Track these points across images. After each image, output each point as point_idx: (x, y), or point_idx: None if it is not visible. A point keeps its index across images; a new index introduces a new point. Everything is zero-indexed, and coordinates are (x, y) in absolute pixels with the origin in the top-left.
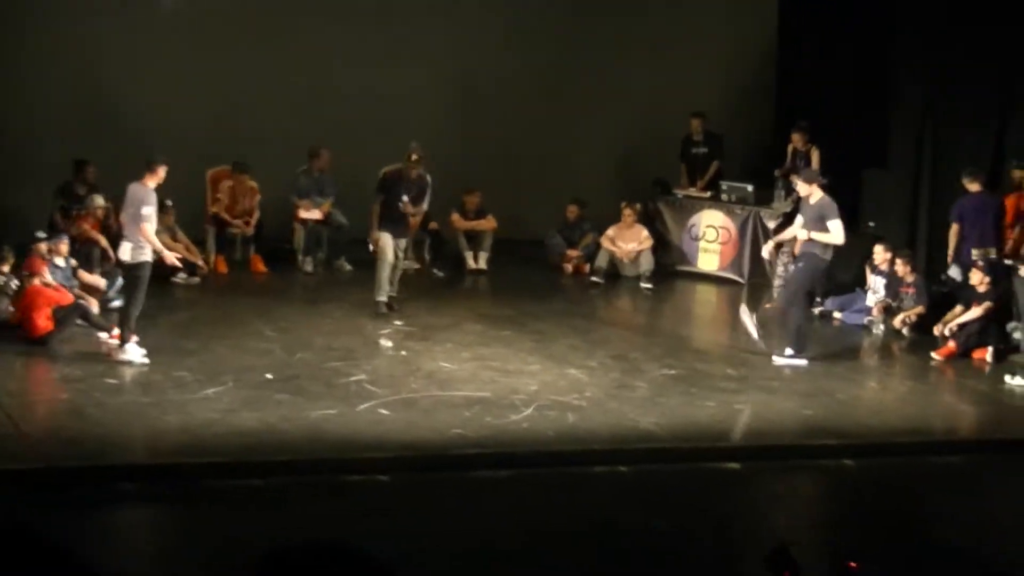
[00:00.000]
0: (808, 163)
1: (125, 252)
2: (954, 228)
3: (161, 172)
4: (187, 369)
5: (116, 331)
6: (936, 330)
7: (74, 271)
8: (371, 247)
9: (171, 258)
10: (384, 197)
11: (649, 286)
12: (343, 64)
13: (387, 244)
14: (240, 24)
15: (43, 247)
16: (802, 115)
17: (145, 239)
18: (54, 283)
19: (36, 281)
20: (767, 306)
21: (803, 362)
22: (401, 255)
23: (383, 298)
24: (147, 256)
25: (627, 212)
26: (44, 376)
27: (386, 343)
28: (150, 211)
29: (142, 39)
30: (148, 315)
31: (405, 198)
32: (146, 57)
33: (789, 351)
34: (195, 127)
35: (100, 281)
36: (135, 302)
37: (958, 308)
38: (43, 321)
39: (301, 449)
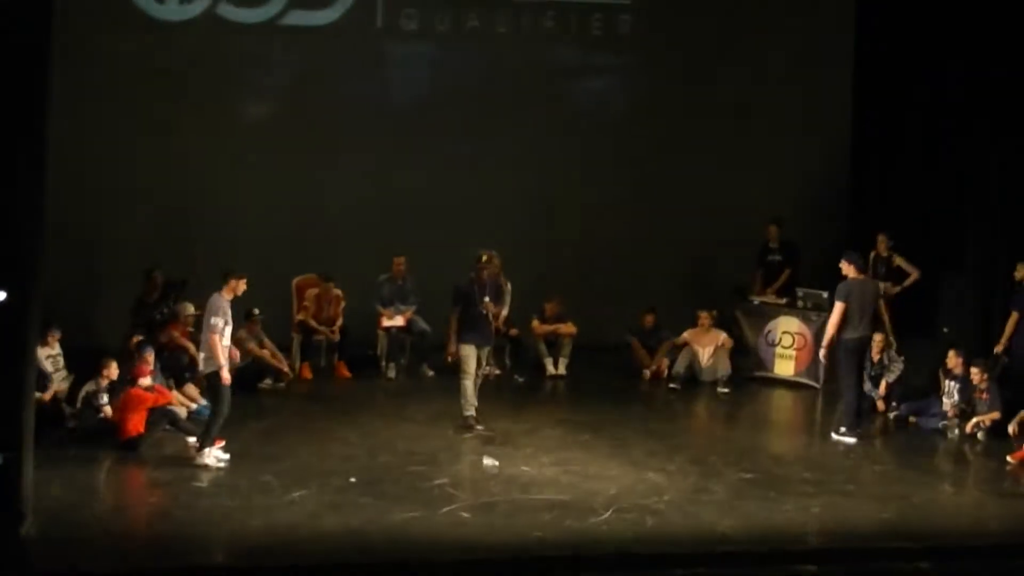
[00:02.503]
0: (889, 269)
1: (201, 362)
2: (1013, 316)
3: (234, 284)
4: (272, 473)
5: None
6: (1010, 428)
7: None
8: (448, 359)
9: (232, 355)
10: (462, 306)
11: (726, 391)
12: (424, 174)
13: (469, 356)
14: (321, 134)
15: (150, 357)
16: (877, 224)
17: (211, 348)
18: (152, 384)
19: (140, 383)
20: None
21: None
22: (484, 364)
23: (471, 412)
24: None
25: (704, 316)
26: (132, 479)
27: (489, 462)
28: (217, 321)
29: (228, 149)
30: (234, 421)
31: (486, 299)
32: (231, 166)
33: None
34: (280, 236)
35: (194, 394)
36: (218, 412)
37: None
38: (135, 424)
39: (384, 552)
